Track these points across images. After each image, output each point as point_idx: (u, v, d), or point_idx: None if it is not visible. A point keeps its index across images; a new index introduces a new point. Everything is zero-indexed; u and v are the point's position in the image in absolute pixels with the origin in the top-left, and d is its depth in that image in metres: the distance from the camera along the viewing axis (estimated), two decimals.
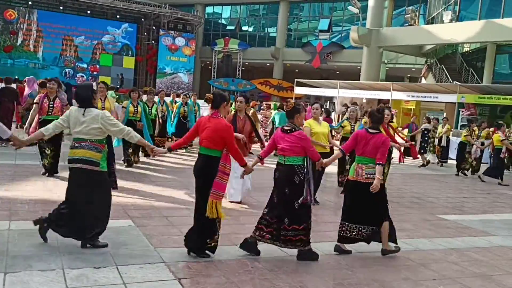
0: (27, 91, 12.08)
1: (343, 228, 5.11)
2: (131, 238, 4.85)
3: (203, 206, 4.45)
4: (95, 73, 30.81)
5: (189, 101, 12.77)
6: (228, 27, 36.58)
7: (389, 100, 20.90)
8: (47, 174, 7.62)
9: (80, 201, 4.40)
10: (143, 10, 30.17)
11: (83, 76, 30.13)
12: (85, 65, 30.52)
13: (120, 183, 7.65)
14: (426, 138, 14.56)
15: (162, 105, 12.37)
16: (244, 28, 36.67)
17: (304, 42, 33.34)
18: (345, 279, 4.38)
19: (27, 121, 7.81)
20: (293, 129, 4.75)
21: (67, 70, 29.81)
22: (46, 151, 7.54)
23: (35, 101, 7.87)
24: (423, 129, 14.66)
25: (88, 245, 4.44)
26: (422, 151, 14.29)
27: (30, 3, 28.98)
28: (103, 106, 7.83)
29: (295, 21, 34.97)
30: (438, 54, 27.34)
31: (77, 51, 30.33)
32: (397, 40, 24.75)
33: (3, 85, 11.83)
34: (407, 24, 26.98)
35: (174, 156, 11.05)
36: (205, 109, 19.43)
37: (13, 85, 12.29)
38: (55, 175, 7.66)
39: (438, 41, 23.75)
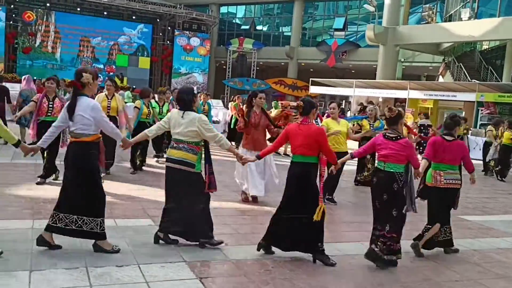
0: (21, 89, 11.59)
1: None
2: (151, 237, 4.87)
3: (311, 211, 4.48)
4: (111, 73, 31.08)
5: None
6: (242, 27, 36.62)
7: (405, 99, 20.72)
8: (39, 180, 6.94)
9: (179, 199, 4.61)
10: (159, 10, 30.37)
11: (100, 77, 30.43)
12: (101, 66, 30.82)
13: (139, 182, 7.72)
14: (423, 135, 14.28)
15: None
16: (259, 27, 36.67)
17: (319, 41, 33.21)
18: (366, 280, 4.36)
19: (19, 112, 7.84)
20: (398, 137, 4.74)
21: None
22: (44, 154, 6.97)
23: (33, 98, 7.30)
24: (418, 124, 14.45)
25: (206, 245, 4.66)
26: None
27: (48, 5, 29.36)
28: (109, 105, 7.69)
29: (310, 20, 34.86)
30: (456, 52, 27.01)
31: (94, 52, 30.66)
32: (414, 38, 24.51)
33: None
34: (424, 22, 26.71)
35: None
36: (219, 109, 19.48)
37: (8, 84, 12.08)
38: (58, 179, 7.00)
39: (456, 39, 23.46)
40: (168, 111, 9.64)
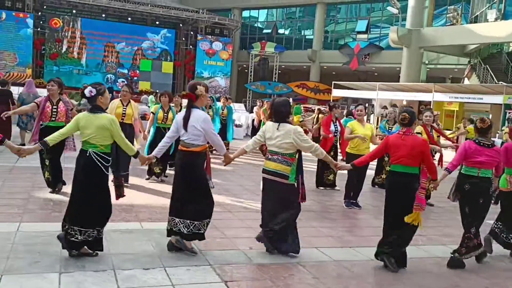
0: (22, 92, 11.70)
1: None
2: None
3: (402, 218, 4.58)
4: (135, 78, 31.57)
5: (213, 104, 12.48)
6: (264, 31, 36.70)
7: (430, 101, 20.42)
8: (50, 191, 6.66)
9: (273, 210, 4.71)
10: (181, 15, 30.69)
11: (124, 81, 30.90)
12: (125, 71, 31.30)
13: (162, 186, 7.80)
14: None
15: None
16: (281, 31, 36.70)
17: (341, 44, 33.04)
18: (391, 285, 4.32)
19: (14, 111, 7.36)
20: (491, 144, 4.93)
21: (109, 75, 30.65)
22: (46, 162, 6.60)
23: (36, 100, 6.72)
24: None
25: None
26: None
27: (74, 11, 29.99)
28: (124, 111, 7.31)
29: (332, 23, 34.72)
30: (482, 54, 26.52)
31: (118, 57, 31.15)
32: (439, 40, 24.17)
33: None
34: (449, 24, 26.30)
35: (216, 162, 11.13)
36: (242, 113, 19.49)
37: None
38: (62, 187, 6.67)
39: (482, 41, 23.04)
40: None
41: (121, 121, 7.16)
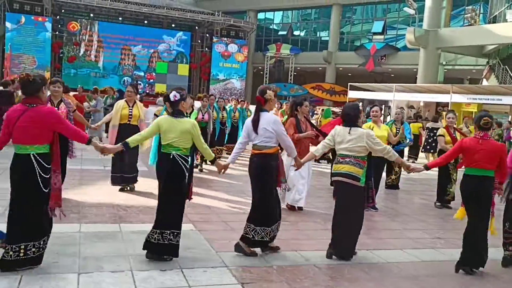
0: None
1: None
2: (193, 242, 4.94)
3: (483, 224, 4.70)
4: (151, 80, 31.82)
5: (227, 106, 12.13)
6: (280, 33, 36.69)
7: (448, 103, 20.18)
8: None
9: (344, 212, 4.78)
10: (197, 18, 30.86)
11: (140, 84, 31.16)
12: (142, 73, 31.58)
13: None
14: (434, 138, 13.76)
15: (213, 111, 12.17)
16: (296, 32, 36.65)
17: (357, 45, 32.85)
18: None
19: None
20: None
21: (125, 78, 30.94)
22: None
23: None
24: (430, 127, 13.85)
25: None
26: (430, 149, 13.37)
27: (91, 15, 30.38)
28: (130, 112, 7.08)
29: (348, 24, 34.55)
30: (501, 55, 26.10)
31: (134, 60, 31.44)
32: (456, 41, 23.87)
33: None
34: (467, 24, 25.96)
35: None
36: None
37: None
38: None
39: (501, 41, 22.67)
40: (196, 118, 9.01)
41: (127, 122, 7.08)
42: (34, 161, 3.76)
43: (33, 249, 3.81)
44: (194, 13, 30.56)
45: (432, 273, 4.65)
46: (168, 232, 4.29)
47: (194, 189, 7.64)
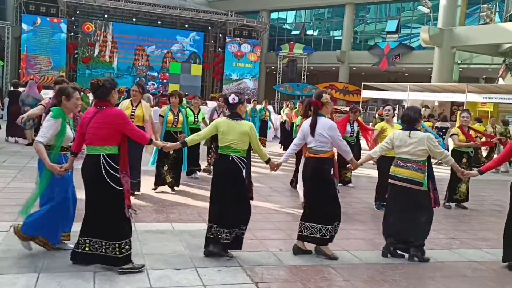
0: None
1: None
2: None
3: None
4: (165, 81, 31.98)
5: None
6: (293, 32, 36.60)
7: (463, 102, 19.96)
8: None
9: (403, 215, 4.84)
10: (210, 18, 30.94)
11: (154, 84, 31.36)
12: (155, 74, 31.74)
13: (193, 188, 7.88)
14: (443, 137, 13.57)
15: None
16: (309, 32, 36.52)
17: (370, 45, 32.63)
18: None
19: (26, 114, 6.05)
20: None
21: (139, 78, 31.14)
22: None
23: (42, 102, 6.13)
24: (439, 126, 13.66)
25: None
26: None
27: (106, 16, 30.62)
28: (133, 113, 6.71)
29: (361, 24, 34.33)
30: None
31: (148, 60, 31.61)
32: (472, 40, 23.58)
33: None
34: (482, 23, 25.64)
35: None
36: (271, 115, 19.48)
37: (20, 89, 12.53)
38: None
39: None
40: (203, 119, 8.87)
41: None
42: (104, 161, 3.90)
43: (109, 248, 3.92)
44: (207, 14, 30.65)
45: (448, 274, 4.60)
46: (237, 230, 4.50)
47: (208, 190, 7.71)
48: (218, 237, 4.44)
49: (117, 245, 3.90)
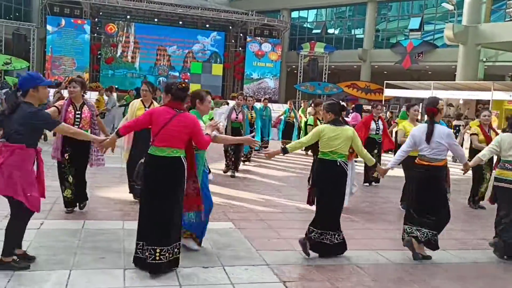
0: None
1: None
2: (233, 240, 4.97)
3: None
4: (186, 80, 32.15)
5: (255, 105, 11.36)
6: (314, 31, 36.42)
7: (489, 100, 19.57)
8: (69, 209, 5.57)
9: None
10: (231, 18, 31.01)
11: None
12: (177, 73, 31.96)
13: (218, 187, 7.89)
14: (456, 135, 13.21)
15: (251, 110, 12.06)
16: (330, 31, 36.29)
17: (393, 43, 32.23)
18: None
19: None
20: None
21: (161, 78, 31.41)
22: (68, 178, 5.47)
23: (56, 104, 5.57)
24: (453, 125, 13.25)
25: None
26: None
27: (128, 17, 30.97)
28: None
29: (383, 21, 33.94)
30: None
31: (170, 60, 31.87)
32: (497, 37, 23.06)
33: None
34: (508, 19, 25.08)
35: (268, 163, 11.13)
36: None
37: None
38: (82, 208, 5.69)
39: None
40: (211, 119, 8.49)
41: None
42: (183, 163, 3.97)
43: (166, 254, 3.91)
44: (228, 13, 30.73)
45: (479, 275, 4.52)
46: (332, 233, 4.62)
47: (232, 190, 7.74)
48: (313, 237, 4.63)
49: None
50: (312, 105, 14.67)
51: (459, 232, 6.05)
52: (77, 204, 5.67)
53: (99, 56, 30.39)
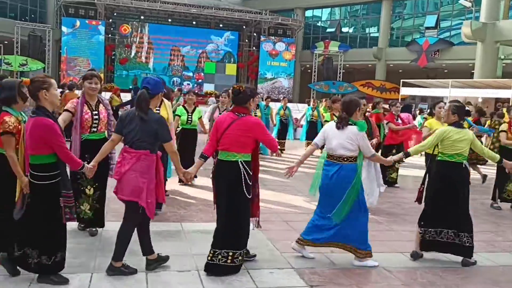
0: None
1: None
2: (256, 242, 4.83)
3: None
4: (200, 80, 32.17)
5: (260, 103, 11.12)
6: (328, 30, 36.16)
7: (509, 98, 19.18)
8: (82, 226, 4.87)
9: None
10: (245, 17, 30.90)
11: (189, 84, 31.57)
12: (191, 74, 31.96)
13: None
14: None
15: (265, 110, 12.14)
16: (344, 29, 35.99)
17: (408, 41, 31.83)
18: None
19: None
20: None
21: (175, 78, 31.44)
22: (85, 189, 4.73)
23: (67, 107, 4.70)
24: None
25: None
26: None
27: (142, 17, 31.04)
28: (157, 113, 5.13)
29: (398, 19, 33.56)
30: None
31: (183, 61, 31.86)
32: None
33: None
34: None
35: (283, 161, 10.99)
36: (297, 113, 18.92)
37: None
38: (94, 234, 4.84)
39: None
40: (200, 119, 8.00)
41: None
42: (242, 168, 3.93)
43: (239, 257, 3.96)
44: (241, 13, 30.62)
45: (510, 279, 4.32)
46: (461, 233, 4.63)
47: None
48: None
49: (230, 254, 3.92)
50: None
51: (486, 234, 5.84)
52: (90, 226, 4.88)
53: (113, 57, 30.49)
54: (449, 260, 4.71)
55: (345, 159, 4.36)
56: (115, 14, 30.57)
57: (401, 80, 24.61)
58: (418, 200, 4.87)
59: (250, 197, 3.97)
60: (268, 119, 12.29)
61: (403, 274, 4.27)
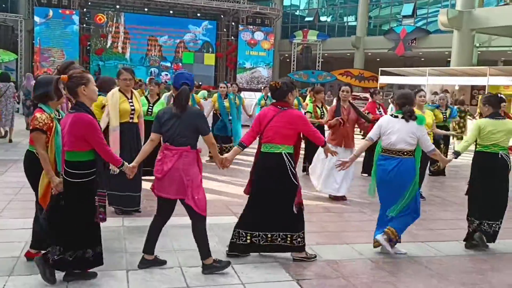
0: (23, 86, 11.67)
1: None
2: None
3: None
4: (178, 71, 31.76)
5: (230, 94, 9.88)
6: (306, 19, 36.07)
7: (485, 86, 19.43)
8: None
9: None
10: (223, 6, 30.54)
11: (167, 75, 31.14)
12: (168, 64, 31.50)
13: (219, 179, 7.65)
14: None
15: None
16: (323, 18, 35.94)
17: (386, 30, 31.99)
18: (476, 284, 3.97)
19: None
20: None
21: (152, 69, 30.96)
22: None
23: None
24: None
25: None
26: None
27: (117, 6, 30.36)
28: (132, 107, 5.24)
29: (376, 8, 33.66)
30: None
31: (161, 51, 31.36)
32: (492, 22, 22.89)
33: None
34: (502, 4, 24.93)
35: None
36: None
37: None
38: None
39: None
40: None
41: (129, 121, 5.21)
42: (286, 159, 4.05)
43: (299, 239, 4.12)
44: (219, 2, 30.24)
45: (497, 267, 4.33)
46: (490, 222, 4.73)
47: (230, 183, 7.50)
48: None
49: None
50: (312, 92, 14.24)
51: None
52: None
53: (88, 47, 29.80)
54: (434, 249, 4.70)
55: (405, 153, 4.36)
56: (89, 3, 29.79)
57: (379, 69, 24.70)
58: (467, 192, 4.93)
59: (297, 183, 4.10)
60: (240, 109, 10.26)
61: (390, 265, 4.23)
